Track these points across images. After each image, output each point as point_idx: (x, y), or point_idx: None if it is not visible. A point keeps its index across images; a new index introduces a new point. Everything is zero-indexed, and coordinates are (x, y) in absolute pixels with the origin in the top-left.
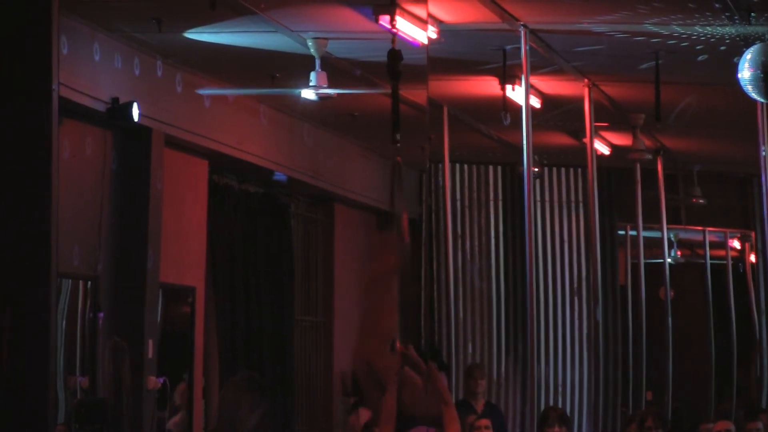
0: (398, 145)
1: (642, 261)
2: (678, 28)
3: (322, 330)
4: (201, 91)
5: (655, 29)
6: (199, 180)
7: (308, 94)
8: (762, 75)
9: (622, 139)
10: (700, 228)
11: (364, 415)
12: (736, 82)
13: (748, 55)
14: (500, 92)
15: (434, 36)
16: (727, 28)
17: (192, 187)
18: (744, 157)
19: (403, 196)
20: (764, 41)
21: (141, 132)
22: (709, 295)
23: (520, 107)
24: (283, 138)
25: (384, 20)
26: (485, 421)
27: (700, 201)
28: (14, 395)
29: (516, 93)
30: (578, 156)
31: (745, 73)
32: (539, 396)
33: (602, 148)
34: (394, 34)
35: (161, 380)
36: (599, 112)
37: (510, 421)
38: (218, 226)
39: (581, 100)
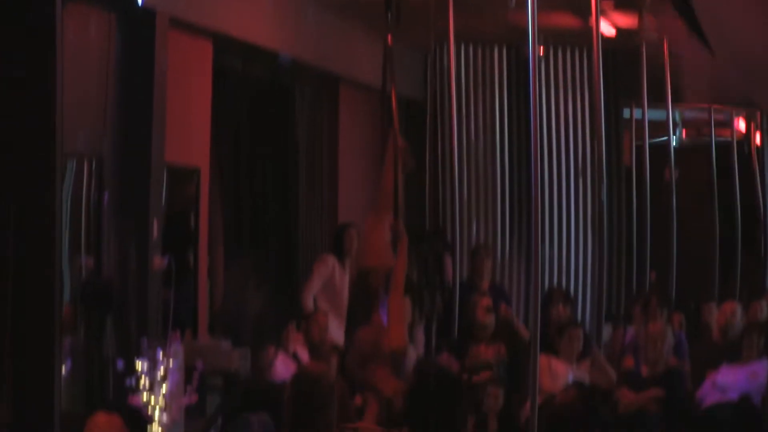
0: (391, 24)
1: (646, 141)
2: None
3: (326, 210)
4: None
5: None
6: (204, 61)
7: None
8: None
9: (627, 20)
10: (705, 106)
11: None
12: None
13: None
14: None
15: None
16: None
17: (196, 68)
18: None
19: (395, 79)
20: None
21: (145, 14)
22: (714, 176)
23: None
24: (288, 19)
25: None
26: (486, 300)
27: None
28: (21, 275)
29: None
30: (584, 37)
31: None
32: (543, 276)
33: (607, 29)
34: None
35: (166, 260)
36: None
37: (514, 300)
38: (223, 108)
39: None
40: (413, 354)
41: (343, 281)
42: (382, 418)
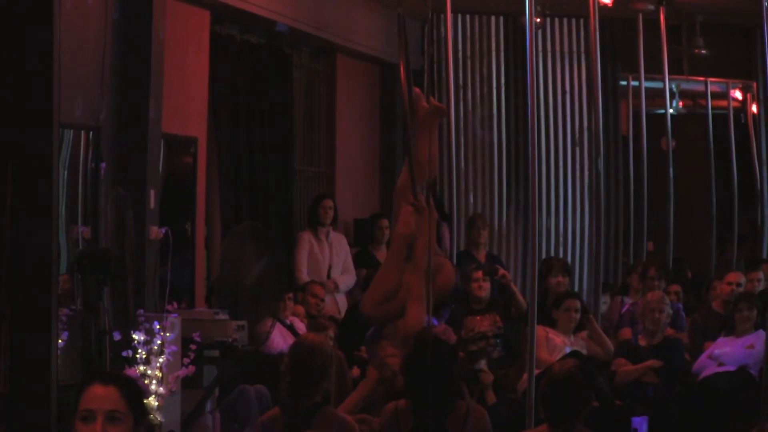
0: None
1: (644, 111)
2: None
3: (324, 180)
4: None
5: None
6: (201, 30)
7: None
8: None
9: None
10: (702, 78)
11: None
12: None
13: None
14: None
15: None
16: None
17: (194, 37)
18: (747, 7)
19: (407, 45)
20: None
21: None
22: (711, 146)
23: None
24: None
25: None
26: (479, 274)
27: (703, 51)
28: (18, 245)
29: None
30: (581, 6)
31: None
32: (541, 246)
33: None
34: None
35: (163, 230)
36: None
37: (512, 270)
38: (220, 77)
39: None
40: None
41: (322, 249)
42: (383, 393)
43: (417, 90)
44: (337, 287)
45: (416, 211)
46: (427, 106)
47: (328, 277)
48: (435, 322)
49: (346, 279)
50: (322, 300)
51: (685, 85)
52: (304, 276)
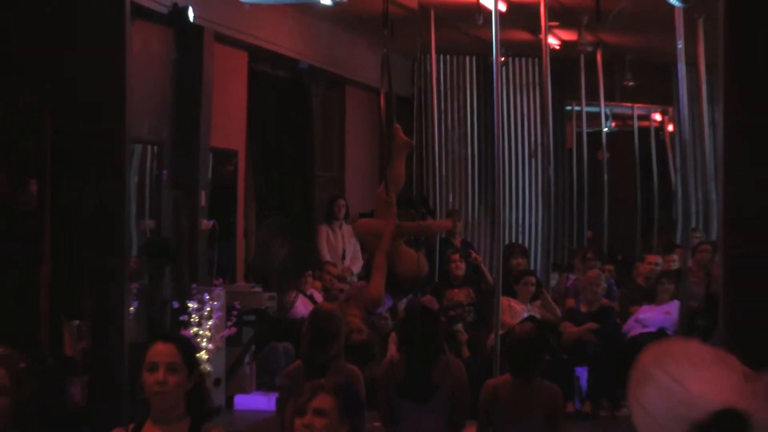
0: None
1: (584, 130)
2: None
3: (336, 183)
4: (244, 0)
5: None
6: (240, 67)
7: (325, 0)
8: None
9: (569, 35)
10: (629, 104)
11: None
12: None
13: None
14: None
15: None
16: None
17: (235, 72)
18: (665, 48)
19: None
20: None
21: (195, 30)
22: (637, 157)
23: (491, 11)
24: (306, 34)
25: None
26: (456, 256)
27: (630, 83)
28: (99, 233)
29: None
30: (535, 49)
31: None
32: (504, 235)
33: (554, 42)
34: None
35: (211, 223)
36: (552, 14)
37: (482, 254)
38: (255, 103)
39: (538, 4)
40: (387, 301)
41: (336, 238)
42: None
43: (397, 125)
44: (352, 273)
45: (387, 205)
46: (403, 138)
47: (343, 258)
48: (389, 302)
49: (357, 265)
50: (335, 277)
51: (616, 110)
52: (326, 257)
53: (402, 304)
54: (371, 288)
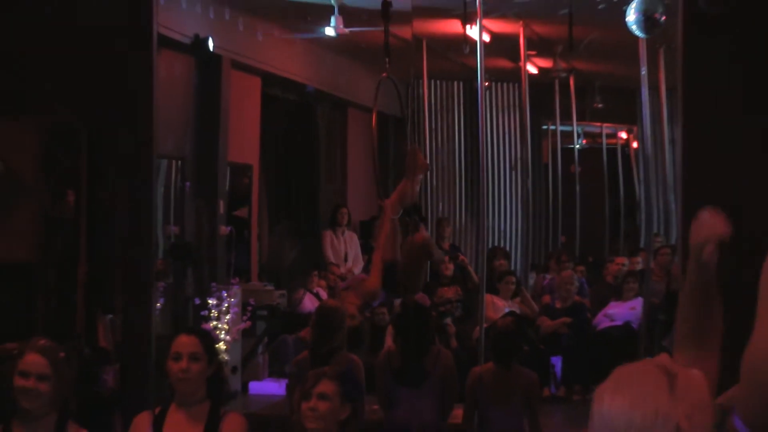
0: (387, 66)
1: (559, 147)
2: None
3: (339, 194)
4: (259, 32)
5: None
6: (254, 91)
7: (330, 31)
8: (643, 18)
9: (545, 63)
10: (599, 124)
11: None
12: (625, 22)
13: (633, 4)
14: (462, 30)
15: None
16: None
17: (249, 95)
18: (630, 74)
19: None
20: None
21: (214, 58)
22: (605, 170)
23: (476, 41)
24: (313, 62)
25: None
26: (446, 258)
27: (599, 105)
28: (130, 237)
29: (473, 31)
30: (515, 75)
31: (631, 16)
32: (488, 239)
33: (532, 69)
34: None
35: (229, 229)
36: (530, 44)
37: (468, 256)
38: (267, 123)
39: (517, 35)
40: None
41: (339, 242)
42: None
43: (417, 147)
44: (354, 274)
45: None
46: (423, 161)
47: (345, 260)
48: (383, 295)
49: (358, 266)
50: (338, 276)
51: (587, 128)
52: (331, 259)
53: (397, 301)
54: (370, 282)
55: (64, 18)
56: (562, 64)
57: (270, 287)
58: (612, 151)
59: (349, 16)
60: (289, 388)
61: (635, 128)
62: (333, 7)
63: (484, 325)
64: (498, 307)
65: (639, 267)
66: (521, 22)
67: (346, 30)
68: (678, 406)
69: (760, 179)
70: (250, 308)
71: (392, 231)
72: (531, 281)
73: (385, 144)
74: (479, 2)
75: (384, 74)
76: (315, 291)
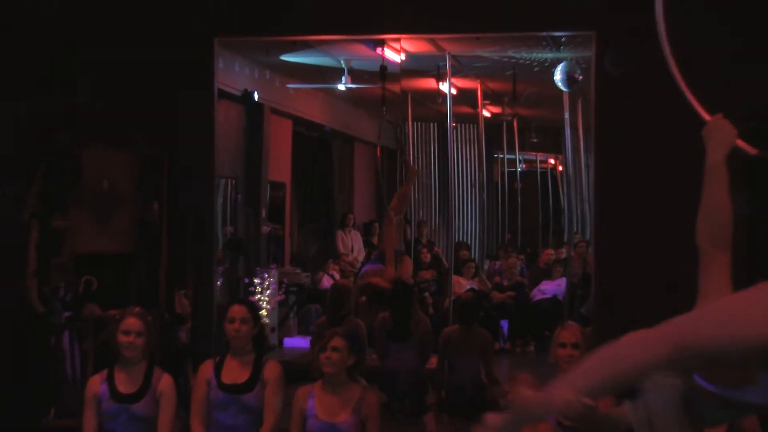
0: (384, 112)
1: (506, 170)
2: (524, 54)
3: (348, 203)
4: (290, 86)
5: (512, 54)
6: (287, 130)
7: (341, 86)
8: (566, 77)
9: (496, 109)
10: (534, 153)
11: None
12: (554, 80)
13: (559, 67)
14: (437, 86)
15: (404, 58)
16: (549, 54)
17: (283, 133)
18: (557, 117)
19: (384, 136)
20: (567, 61)
21: (258, 106)
22: (539, 187)
23: (446, 93)
24: (329, 109)
25: (379, 50)
26: (425, 250)
27: (535, 140)
28: (198, 235)
29: (444, 86)
30: (475, 118)
31: (558, 75)
32: (455, 236)
33: (486, 114)
34: (383, 57)
35: (269, 228)
36: (485, 96)
37: (441, 248)
38: (297, 153)
39: (476, 89)
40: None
41: (348, 239)
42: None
43: (408, 160)
44: (358, 261)
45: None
46: (414, 169)
47: (352, 251)
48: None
49: (361, 255)
50: (348, 263)
51: (526, 157)
52: (342, 251)
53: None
54: (387, 272)
55: (153, 80)
56: (508, 110)
57: (298, 270)
58: (544, 173)
59: (354, 75)
60: (312, 343)
61: (561, 156)
62: (343, 69)
63: (452, 298)
64: (462, 285)
65: (563, 256)
66: (479, 80)
67: (353, 85)
68: None
69: (652, 193)
70: (284, 285)
71: (397, 230)
72: (486, 266)
73: (381, 170)
74: (449, 66)
75: (387, 117)
76: (330, 273)
